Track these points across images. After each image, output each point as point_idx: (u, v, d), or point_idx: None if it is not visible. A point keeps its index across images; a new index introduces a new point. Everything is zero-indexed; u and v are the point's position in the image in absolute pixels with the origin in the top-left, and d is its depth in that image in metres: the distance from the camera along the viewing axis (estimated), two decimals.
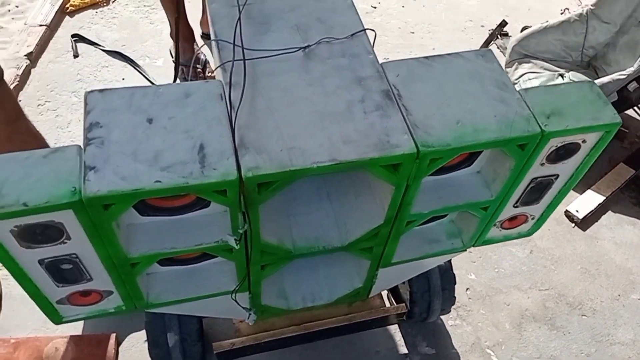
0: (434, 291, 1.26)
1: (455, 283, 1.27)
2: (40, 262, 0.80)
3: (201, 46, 2.09)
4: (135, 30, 2.34)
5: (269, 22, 0.96)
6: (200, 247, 0.88)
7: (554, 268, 1.60)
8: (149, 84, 0.83)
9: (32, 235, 0.75)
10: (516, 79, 2.06)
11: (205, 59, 2.14)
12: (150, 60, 2.21)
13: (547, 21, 2.14)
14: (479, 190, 1.02)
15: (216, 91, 0.85)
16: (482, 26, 2.58)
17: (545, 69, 2.11)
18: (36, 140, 1.22)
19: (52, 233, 0.76)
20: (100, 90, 0.82)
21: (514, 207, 1.08)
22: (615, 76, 1.78)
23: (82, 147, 0.76)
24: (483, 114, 0.88)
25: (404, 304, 1.26)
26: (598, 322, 1.50)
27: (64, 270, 0.84)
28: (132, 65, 2.16)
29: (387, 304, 1.30)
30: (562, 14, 2.64)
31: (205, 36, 2.27)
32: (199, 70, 2.10)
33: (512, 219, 1.13)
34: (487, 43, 2.43)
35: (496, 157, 0.96)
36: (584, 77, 2.07)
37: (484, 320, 1.45)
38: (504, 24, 2.50)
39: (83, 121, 0.78)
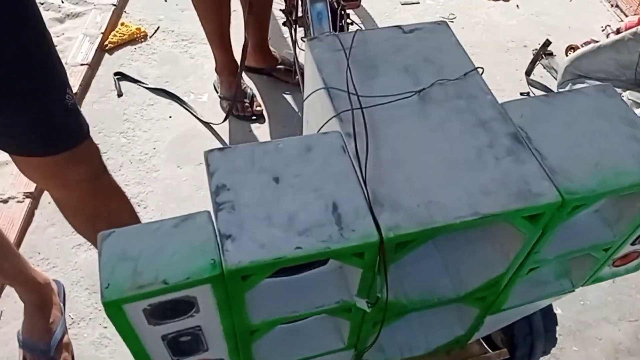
0: (536, 334, 1.19)
1: (557, 324, 1.20)
2: (164, 337, 0.74)
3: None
4: (177, 66, 2.31)
5: (375, 65, 0.91)
6: (322, 309, 0.83)
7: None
8: (268, 141, 0.81)
9: (163, 312, 0.69)
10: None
11: (252, 93, 2.11)
12: (195, 96, 2.17)
13: (599, 41, 2.10)
14: (600, 231, 0.96)
15: (337, 143, 0.80)
16: (525, 46, 2.54)
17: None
18: (118, 195, 1.18)
19: (183, 308, 0.70)
20: (220, 150, 0.78)
21: (632, 244, 1.01)
22: None
23: (212, 212, 0.71)
24: (619, 154, 0.82)
25: (505, 350, 1.19)
26: None
27: (183, 343, 0.78)
28: (177, 102, 2.13)
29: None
30: (603, 31, 2.60)
31: (252, 70, 2.24)
32: (246, 104, 2.06)
33: (625, 256, 1.06)
34: (533, 63, 2.39)
35: (623, 196, 0.90)
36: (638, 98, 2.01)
37: (579, 358, 1.37)
38: (547, 43, 2.46)
39: (208, 183, 0.73)
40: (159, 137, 1.97)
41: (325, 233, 0.70)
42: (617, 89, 2.04)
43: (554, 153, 0.81)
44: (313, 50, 0.93)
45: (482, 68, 0.93)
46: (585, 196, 0.77)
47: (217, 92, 2.15)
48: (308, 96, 1.01)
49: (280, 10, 1.99)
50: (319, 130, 0.86)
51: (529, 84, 2.33)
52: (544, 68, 2.39)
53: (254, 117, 2.06)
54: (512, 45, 2.54)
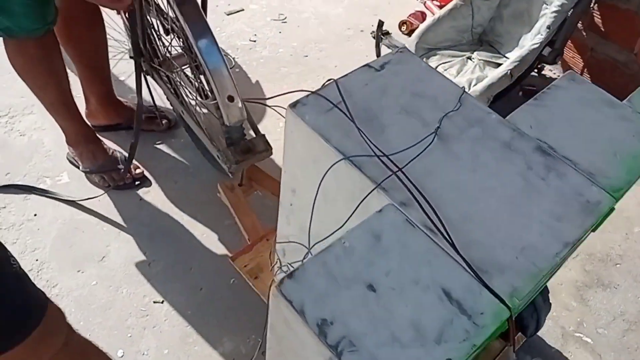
0: (539, 308, 1.25)
1: (548, 291, 1.27)
2: None
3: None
4: (8, 150, 1.91)
5: (375, 116, 0.83)
6: None
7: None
8: (330, 245, 0.67)
9: None
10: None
11: (124, 156, 1.84)
12: (52, 180, 1.82)
13: (423, 11, 2.23)
14: None
15: (399, 219, 0.71)
16: (362, 31, 2.61)
17: (453, 56, 2.21)
18: (93, 349, 0.94)
19: None
20: (289, 277, 0.63)
21: None
22: (530, 47, 1.92)
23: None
24: (623, 137, 0.86)
25: (521, 334, 1.23)
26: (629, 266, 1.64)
27: None
28: (36, 193, 1.76)
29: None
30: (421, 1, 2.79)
31: (108, 128, 1.95)
32: (121, 171, 1.79)
33: None
34: (377, 46, 2.46)
35: None
36: (487, 53, 2.21)
37: (556, 307, 1.49)
38: (381, 23, 2.55)
39: (305, 325, 0.59)
40: (35, 244, 1.61)
41: (460, 330, 0.61)
42: (464, 52, 2.21)
43: (579, 156, 0.82)
44: (304, 117, 0.81)
45: (463, 89, 0.90)
46: (626, 188, 0.80)
47: (79, 167, 1.82)
48: (292, 166, 0.88)
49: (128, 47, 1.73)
50: (355, 209, 0.75)
51: None
52: (388, 48, 2.49)
53: (137, 183, 1.79)
54: (350, 32, 2.60)
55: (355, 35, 2.59)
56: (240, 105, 1.32)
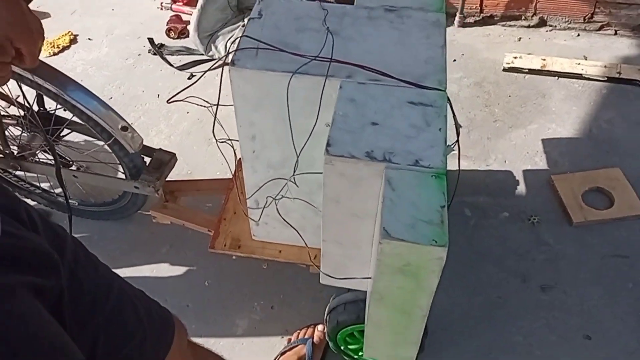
0: None
1: None
2: None
3: None
4: None
5: (285, 42, 1.10)
6: None
7: None
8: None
9: None
10: (229, 46, 2.42)
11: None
12: None
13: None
14: None
15: (353, 84, 1.01)
16: (139, 55, 2.75)
17: (231, 30, 2.52)
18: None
19: None
20: (328, 145, 0.90)
21: None
22: None
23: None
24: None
25: None
26: None
27: None
28: None
29: None
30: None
31: None
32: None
33: None
34: (164, 58, 2.65)
35: None
36: None
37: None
38: (151, 40, 2.74)
39: (354, 172, 0.87)
40: None
41: (432, 114, 0.96)
42: (237, 25, 2.53)
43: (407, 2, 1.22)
44: (246, 66, 1.05)
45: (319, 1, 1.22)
46: None
47: None
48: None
49: None
50: (320, 100, 1.03)
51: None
52: (172, 54, 2.68)
53: None
54: (131, 61, 2.71)
55: (138, 61, 2.72)
56: (133, 130, 1.47)
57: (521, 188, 1.79)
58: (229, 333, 1.57)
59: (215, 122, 1.21)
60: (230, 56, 1.08)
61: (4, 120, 1.57)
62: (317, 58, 1.05)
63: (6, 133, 1.60)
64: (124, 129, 1.46)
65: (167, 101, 1.33)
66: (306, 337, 1.47)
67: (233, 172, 1.48)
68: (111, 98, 2.49)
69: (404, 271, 0.85)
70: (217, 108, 1.18)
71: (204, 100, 1.25)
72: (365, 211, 0.99)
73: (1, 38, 1.01)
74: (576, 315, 1.48)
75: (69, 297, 0.65)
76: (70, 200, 1.71)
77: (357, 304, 1.28)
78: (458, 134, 1.09)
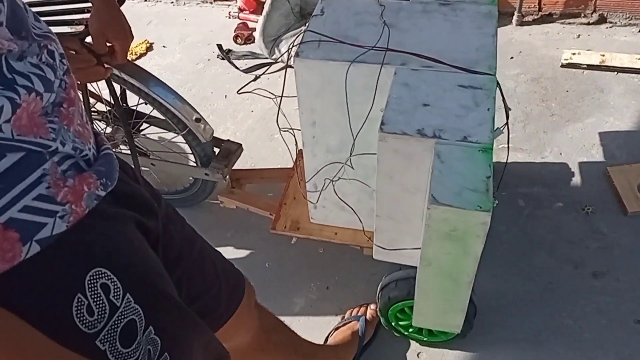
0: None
1: None
2: None
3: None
4: None
5: (346, 35, 1.21)
6: None
7: None
8: None
9: None
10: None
11: None
12: None
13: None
14: None
15: (407, 71, 1.10)
16: (209, 60, 2.94)
17: (295, 35, 2.66)
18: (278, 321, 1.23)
19: None
20: (382, 124, 0.99)
21: None
22: None
23: None
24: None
25: None
26: None
27: None
28: None
29: None
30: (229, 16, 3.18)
31: None
32: None
33: None
34: (232, 63, 2.82)
35: None
36: None
37: None
38: (220, 46, 2.92)
39: (406, 148, 0.96)
40: None
41: (482, 95, 1.03)
42: (300, 29, 2.67)
43: None
44: (309, 56, 1.16)
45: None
46: None
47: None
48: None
49: None
50: (377, 85, 1.13)
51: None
52: (239, 59, 2.86)
53: None
54: (201, 65, 2.91)
55: (208, 65, 2.91)
56: (204, 121, 1.62)
57: (576, 179, 1.81)
58: (287, 311, 1.68)
59: (279, 113, 1.34)
60: (293, 51, 1.20)
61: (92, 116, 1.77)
62: (374, 48, 1.15)
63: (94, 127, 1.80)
64: (198, 120, 1.61)
65: (237, 92, 1.47)
66: (359, 314, 1.56)
67: (294, 161, 1.60)
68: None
69: (450, 236, 0.92)
70: (281, 100, 1.30)
71: (270, 92, 1.38)
72: (416, 186, 1.07)
73: (98, 33, 1.17)
74: (628, 301, 1.49)
75: (162, 244, 0.78)
76: None
77: (408, 280, 1.36)
78: (507, 117, 1.16)
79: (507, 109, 1.14)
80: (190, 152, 1.75)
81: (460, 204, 0.88)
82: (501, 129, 1.27)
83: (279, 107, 1.33)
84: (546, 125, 2.02)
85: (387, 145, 1.01)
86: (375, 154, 1.05)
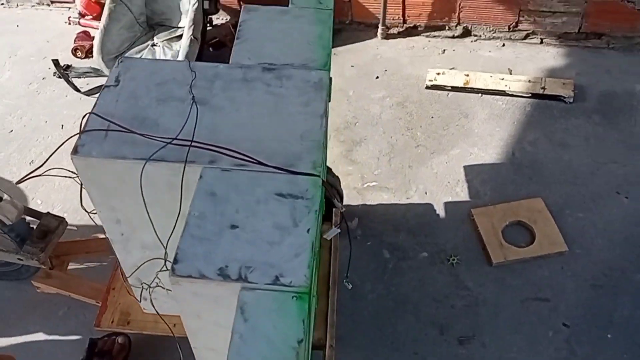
0: (333, 183, 1.56)
1: None
2: None
3: None
4: None
5: (142, 118, 0.95)
6: None
7: None
8: None
9: None
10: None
11: None
12: None
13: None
14: None
15: (215, 172, 0.88)
16: (44, 78, 2.53)
17: (139, 51, 2.33)
18: None
19: None
20: (175, 263, 0.77)
21: None
22: (193, 8, 2.15)
23: None
24: (307, 28, 1.15)
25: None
26: None
27: None
28: None
29: None
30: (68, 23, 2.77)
31: None
32: None
33: None
34: (69, 82, 2.43)
35: None
36: (165, 33, 2.39)
37: None
38: (56, 61, 2.51)
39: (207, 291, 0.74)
40: None
41: (302, 208, 0.83)
42: (147, 43, 2.34)
43: (289, 58, 1.08)
44: (91, 153, 0.90)
45: (187, 60, 1.08)
46: (328, 61, 1.09)
47: None
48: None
49: None
50: (182, 186, 0.90)
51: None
52: (79, 77, 2.46)
53: None
54: (35, 86, 2.49)
55: (43, 86, 2.50)
56: (9, 200, 1.30)
57: (441, 223, 1.70)
58: None
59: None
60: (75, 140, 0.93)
61: None
62: (176, 140, 0.91)
63: None
64: None
65: (15, 183, 1.16)
66: None
67: None
68: (12, 131, 2.27)
69: None
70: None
71: (69, 171, 1.09)
72: (231, 321, 0.86)
73: None
74: None
75: None
76: None
77: None
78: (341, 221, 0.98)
79: (340, 209, 0.96)
80: None
81: None
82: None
83: (81, 189, 1.05)
84: (411, 158, 1.90)
85: (184, 288, 0.78)
86: None
